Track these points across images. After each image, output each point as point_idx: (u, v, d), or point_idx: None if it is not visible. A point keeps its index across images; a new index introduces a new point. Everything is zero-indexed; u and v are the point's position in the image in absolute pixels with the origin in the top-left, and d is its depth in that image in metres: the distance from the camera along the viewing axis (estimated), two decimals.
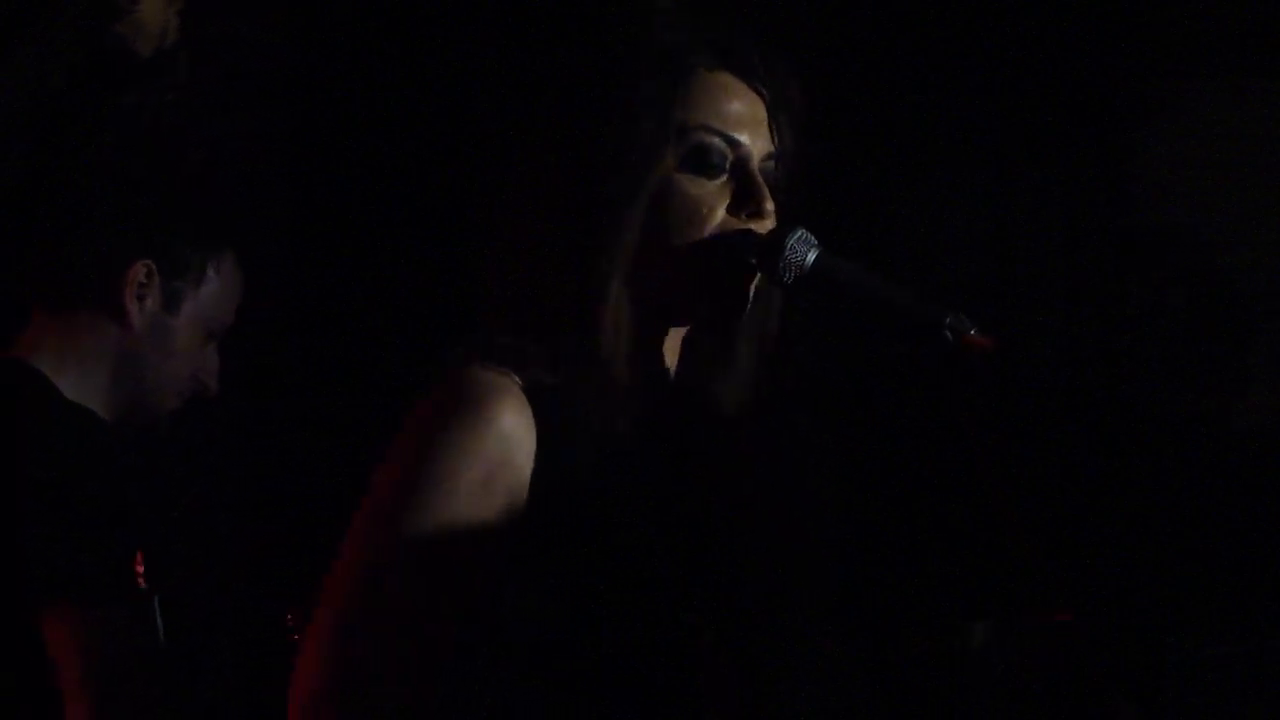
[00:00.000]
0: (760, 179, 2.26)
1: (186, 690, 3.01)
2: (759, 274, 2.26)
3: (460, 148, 2.29)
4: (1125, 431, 4.33)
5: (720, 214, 2.25)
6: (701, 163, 2.24)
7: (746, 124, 2.27)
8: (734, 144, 2.25)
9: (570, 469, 2.13)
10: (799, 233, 2.28)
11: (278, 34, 3.15)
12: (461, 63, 3.23)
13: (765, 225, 2.27)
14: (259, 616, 3.45)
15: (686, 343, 2.32)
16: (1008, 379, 2.30)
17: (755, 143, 2.27)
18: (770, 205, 2.26)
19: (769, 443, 2.31)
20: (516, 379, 2.14)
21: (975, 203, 4.44)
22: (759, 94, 2.29)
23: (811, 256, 2.28)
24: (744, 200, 2.26)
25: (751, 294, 2.27)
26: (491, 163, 2.29)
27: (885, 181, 4.43)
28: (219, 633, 3.52)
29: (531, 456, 2.11)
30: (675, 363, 2.30)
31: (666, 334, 2.29)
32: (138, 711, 2.78)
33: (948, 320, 2.26)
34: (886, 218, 4.39)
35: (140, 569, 2.83)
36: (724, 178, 2.26)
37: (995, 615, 2.56)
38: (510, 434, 2.10)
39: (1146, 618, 4.07)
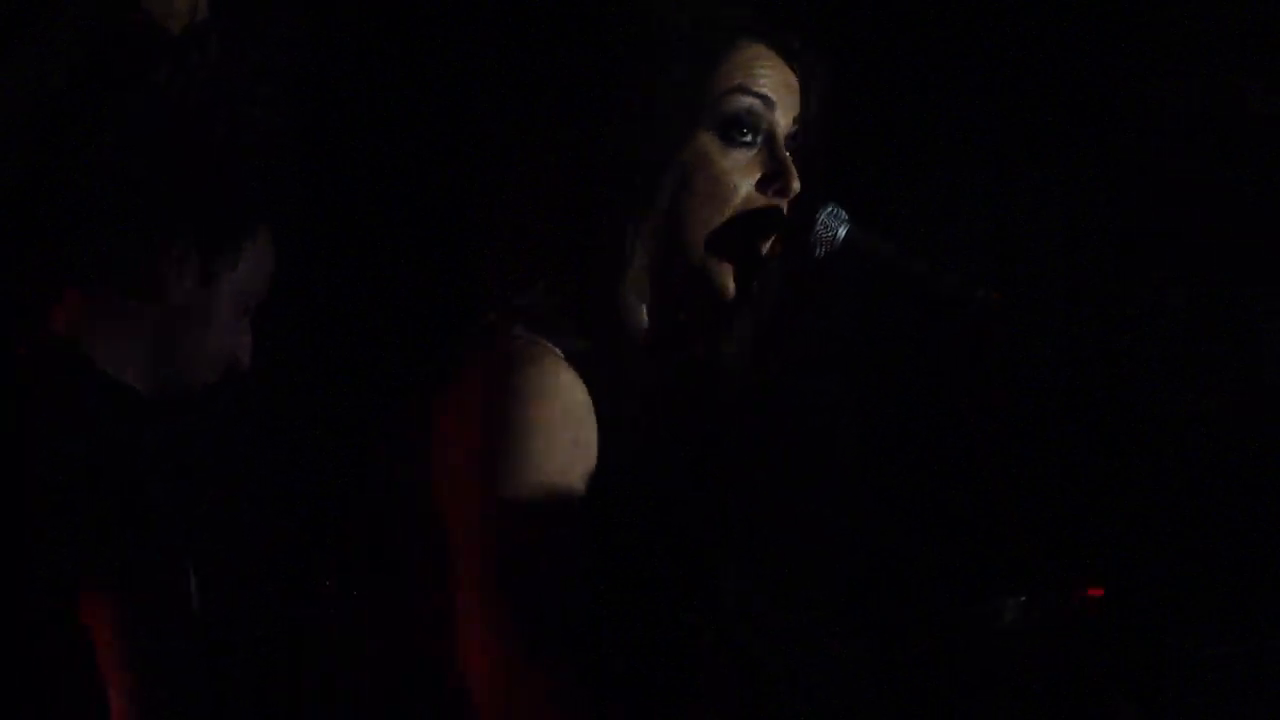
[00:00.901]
0: (788, 157, 2.28)
1: (223, 671, 3.02)
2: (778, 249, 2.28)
3: (487, 117, 2.31)
4: (1125, 431, 4.33)
5: (747, 187, 2.27)
6: (735, 130, 2.26)
7: (779, 91, 2.29)
8: (769, 105, 2.27)
9: (604, 436, 2.15)
10: (830, 208, 2.31)
11: (301, 15, 3.15)
12: (493, 29, 3.23)
13: (786, 203, 2.28)
14: (297, 594, 3.46)
15: (689, 311, 2.33)
16: (1014, 375, 2.31)
17: (785, 112, 2.29)
18: (797, 185, 2.28)
19: (773, 407, 2.33)
20: (554, 348, 2.15)
21: (975, 203, 4.44)
22: (791, 67, 2.31)
23: (843, 231, 2.31)
24: (773, 177, 2.28)
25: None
26: (517, 131, 2.29)
27: (886, 181, 4.44)
28: (257, 613, 3.53)
29: (593, 415, 2.13)
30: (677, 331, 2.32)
31: (679, 303, 2.31)
32: (174, 678, 2.79)
33: (979, 293, 2.28)
34: (887, 217, 4.40)
35: (176, 552, 2.84)
36: (754, 150, 2.27)
37: (1027, 592, 2.56)
38: (579, 396, 2.12)
39: (1147, 617, 4.08)
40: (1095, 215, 4.46)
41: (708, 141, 2.26)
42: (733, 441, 2.30)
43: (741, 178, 2.27)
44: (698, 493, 2.26)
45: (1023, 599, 2.52)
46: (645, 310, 2.26)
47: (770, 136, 2.29)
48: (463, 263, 2.30)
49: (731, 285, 2.28)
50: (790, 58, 2.31)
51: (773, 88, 2.28)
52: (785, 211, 2.30)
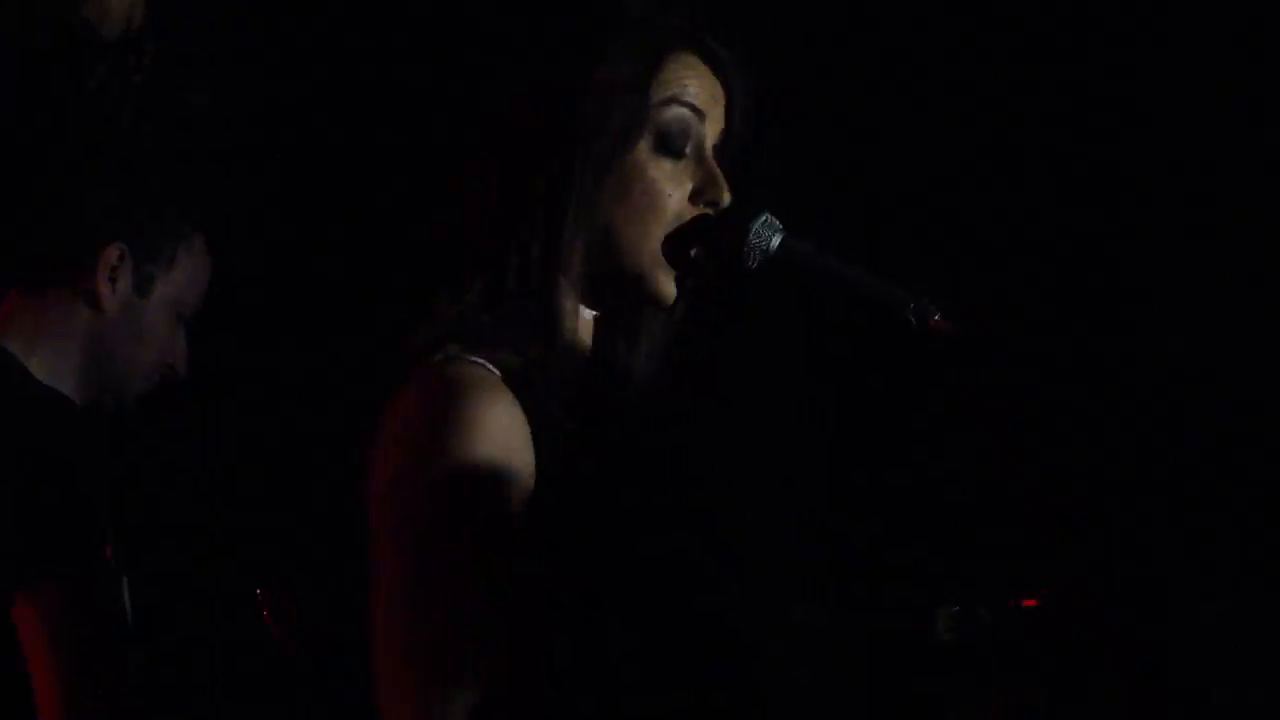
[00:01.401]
0: (718, 169, 2.28)
1: (156, 667, 3.01)
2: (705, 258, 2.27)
3: (428, 125, 2.30)
4: (1125, 395, 4.34)
5: (678, 198, 2.26)
6: (668, 141, 2.25)
7: (709, 103, 2.29)
8: (700, 116, 2.27)
9: (548, 452, 2.14)
10: (764, 217, 2.30)
11: (241, 15, 3.15)
12: (429, 40, 3.22)
13: (714, 213, 2.28)
14: (230, 595, 3.45)
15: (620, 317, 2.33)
16: (981, 364, 2.30)
17: (713, 124, 2.29)
18: (728, 197, 2.28)
19: (682, 414, 2.32)
20: (493, 369, 2.14)
21: (969, 200, 4.44)
22: (719, 78, 2.30)
23: (776, 241, 2.30)
24: (704, 188, 2.27)
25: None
26: (454, 139, 2.28)
27: (876, 177, 4.44)
28: (189, 612, 3.52)
29: (529, 442, 2.12)
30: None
31: (614, 311, 2.31)
32: (106, 689, 2.78)
33: (911, 304, 2.28)
34: (876, 213, 4.40)
35: (109, 548, 2.83)
36: (684, 160, 2.27)
37: (960, 602, 2.56)
38: (510, 426, 2.10)
39: (1147, 575, 4.08)
40: (1089, 216, 4.48)
41: (642, 151, 2.25)
42: (661, 446, 2.29)
43: (674, 188, 2.27)
44: (645, 497, 2.25)
45: (956, 609, 2.52)
46: (581, 320, 2.26)
47: (699, 148, 2.29)
48: (400, 272, 2.29)
49: (671, 291, 2.28)
50: (718, 69, 2.31)
51: (703, 100, 2.28)
52: (727, 219, 2.30)
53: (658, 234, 2.26)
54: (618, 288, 2.26)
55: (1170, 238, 4.45)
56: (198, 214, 3.10)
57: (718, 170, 2.28)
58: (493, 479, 2.08)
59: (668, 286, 2.28)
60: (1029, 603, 2.50)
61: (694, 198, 2.28)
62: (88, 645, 2.78)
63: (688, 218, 2.27)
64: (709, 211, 2.28)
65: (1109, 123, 4.44)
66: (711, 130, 2.29)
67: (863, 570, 3.91)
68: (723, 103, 2.31)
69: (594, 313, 2.31)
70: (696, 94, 2.28)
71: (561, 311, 2.22)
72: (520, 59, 2.26)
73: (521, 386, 2.14)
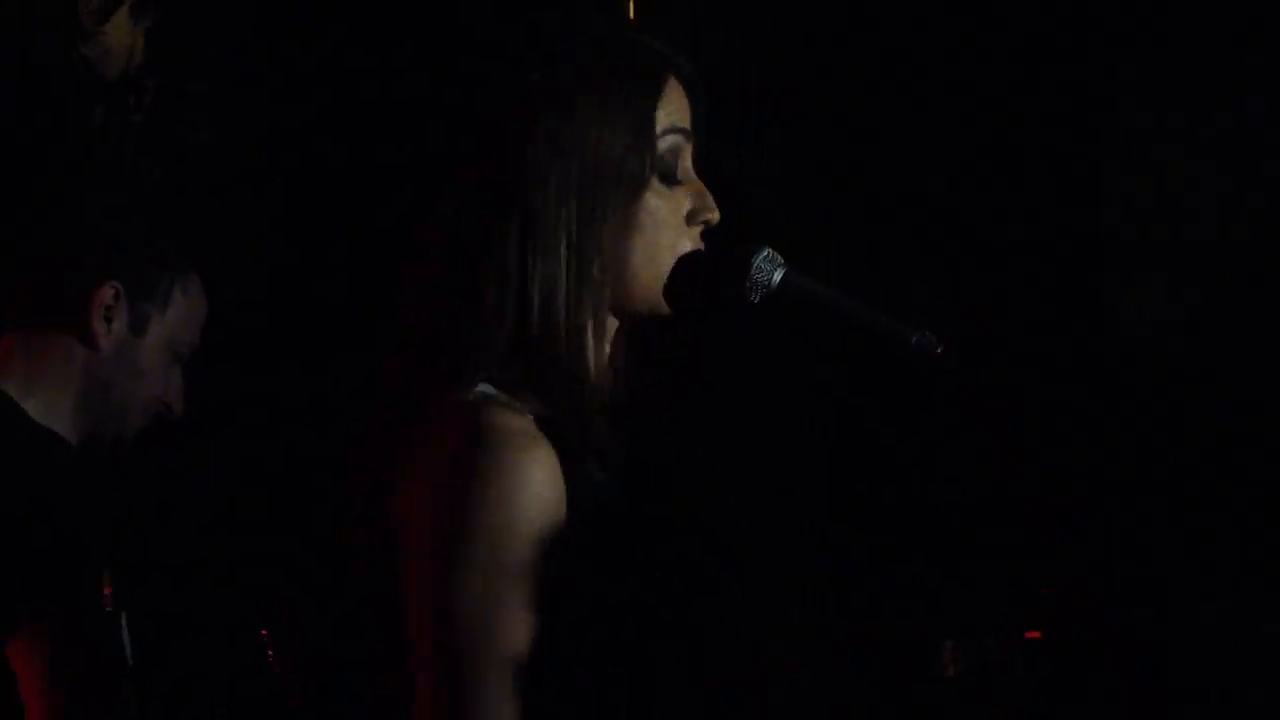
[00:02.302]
0: (704, 187, 2.29)
1: (154, 708, 3.01)
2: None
3: (426, 162, 2.29)
4: (1125, 402, 4.35)
5: (678, 222, 2.27)
6: (667, 168, 2.26)
7: (690, 123, 2.30)
8: (688, 138, 2.28)
9: (578, 501, 2.14)
10: (765, 252, 2.30)
11: (242, 53, 3.15)
12: (431, 76, 3.22)
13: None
14: (232, 634, 3.44)
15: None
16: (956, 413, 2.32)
17: (691, 142, 2.30)
18: (718, 215, 2.29)
19: (689, 432, 2.32)
20: (528, 416, 2.14)
21: (959, 206, 4.45)
22: (690, 96, 2.31)
23: (778, 276, 2.30)
24: (698, 209, 2.28)
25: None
26: (460, 170, 2.27)
27: (870, 184, 4.45)
28: (191, 651, 3.52)
29: (563, 493, 2.12)
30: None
31: (628, 348, 2.31)
32: None
33: (913, 338, 2.28)
34: (869, 221, 4.41)
35: (108, 588, 2.83)
36: (678, 185, 2.27)
37: (964, 634, 2.56)
38: (550, 479, 2.11)
39: (1149, 579, 4.09)
40: (1077, 218, 4.49)
41: (652, 184, 2.26)
42: (668, 468, 2.29)
43: (674, 213, 2.27)
44: (657, 519, 2.25)
45: (955, 643, 2.52)
46: (598, 366, 2.26)
47: (688, 169, 2.30)
48: (404, 312, 2.27)
49: (662, 328, 2.29)
50: (690, 86, 2.31)
51: (687, 122, 2.29)
52: (730, 255, 2.30)
53: (667, 259, 2.26)
54: (632, 313, 2.27)
55: (1170, 240, 4.47)
56: (194, 252, 3.10)
57: (705, 190, 2.29)
58: (535, 530, 2.09)
59: (659, 319, 2.29)
60: (1032, 635, 2.50)
61: (690, 219, 2.28)
62: (82, 683, 2.77)
63: (686, 240, 2.28)
64: (698, 235, 2.29)
65: (1105, 123, 4.46)
66: (690, 149, 2.31)
67: (867, 587, 3.92)
68: (693, 119, 2.32)
69: (619, 339, 2.30)
70: (683, 119, 2.28)
71: (588, 362, 2.22)
72: (525, 104, 2.25)
73: (555, 437, 2.14)
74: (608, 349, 2.26)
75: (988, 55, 4.46)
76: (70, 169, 3.00)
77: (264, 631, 3.08)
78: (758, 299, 2.29)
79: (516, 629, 2.07)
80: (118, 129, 2.96)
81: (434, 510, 2.09)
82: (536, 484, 2.09)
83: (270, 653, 3.10)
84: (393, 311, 2.24)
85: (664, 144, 2.25)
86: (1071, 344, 4.45)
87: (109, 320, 3.04)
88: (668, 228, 2.25)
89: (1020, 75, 4.47)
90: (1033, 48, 4.48)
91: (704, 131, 2.32)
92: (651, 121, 2.24)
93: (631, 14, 3.64)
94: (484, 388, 2.16)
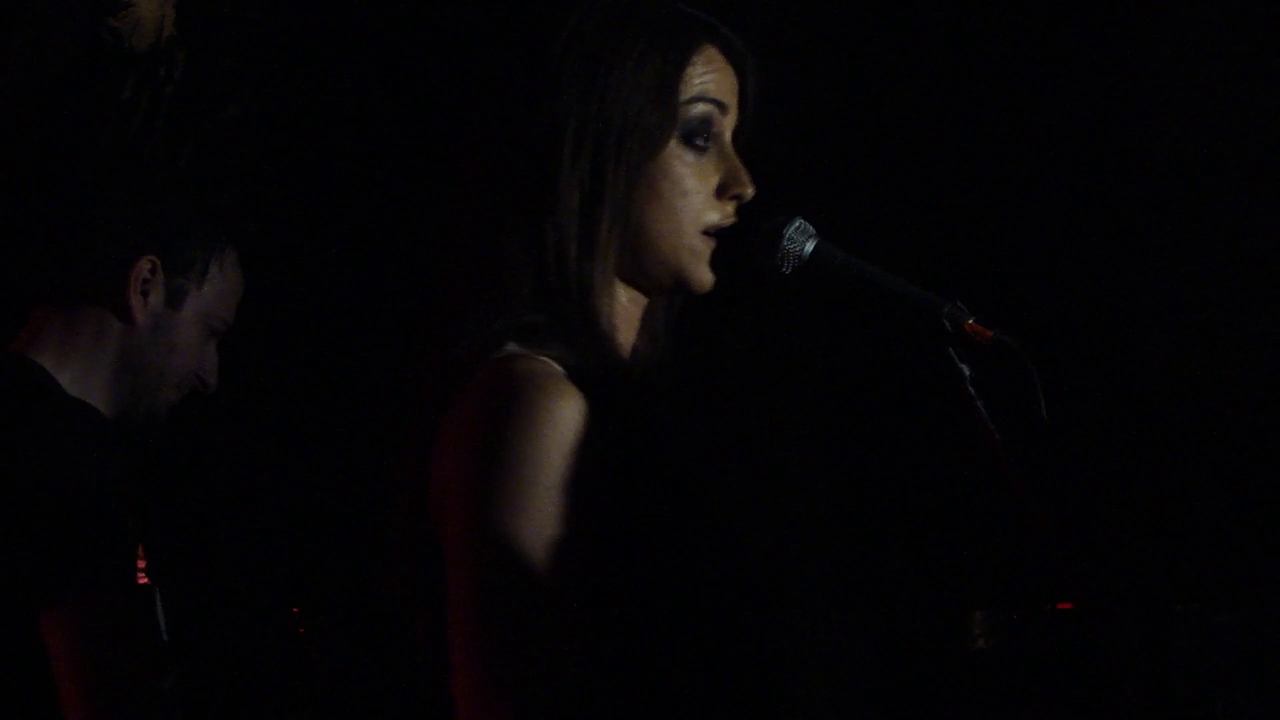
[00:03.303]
0: (739, 161, 2.28)
1: (189, 684, 3.01)
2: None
3: (452, 131, 2.29)
4: (1129, 408, 4.35)
5: (705, 193, 2.26)
6: (694, 137, 2.25)
7: (728, 96, 2.29)
8: (723, 110, 2.27)
9: (613, 446, 2.13)
10: (796, 223, 2.30)
11: (273, 26, 3.15)
12: (454, 46, 3.23)
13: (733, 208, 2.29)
14: (265, 611, 3.45)
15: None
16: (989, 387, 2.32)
17: (731, 117, 2.29)
18: (752, 189, 2.28)
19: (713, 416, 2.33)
20: (556, 365, 2.14)
21: (979, 202, 4.45)
22: (735, 68, 2.30)
23: (810, 246, 2.30)
24: (729, 182, 2.27)
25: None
26: (483, 142, 2.27)
27: (889, 179, 4.45)
28: (224, 627, 3.52)
29: (597, 436, 2.11)
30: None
31: (651, 307, 2.31)
32: (137, 705, 2.78)
33: (945, 308, 2.28)
34: (889, 216, 4.41)
35: (142, 563, 2.83)
36: (709, 154, 2.27)
37: (994, 605, 2.55)
38: (580, 420, 2.10)
39: (1153, 585, 4.08)
40: (1098, 213, 4.49)
41: (671, 149, 2.25)
42: (693, 449, 2.29)
43: (701, 183, 2.27)
44: (682, 498, 2.24)
45: (989, 613, 2.51)
46: (621, 319, 2.26)
47: (721, 141, 2.29)
48: (435, 283, 2.27)
49: (708, 277, 2.29)
50: (734, 59, 2.31)
51: (724, 93, 2.28)
52: (762, 224, 2.30)
53: (690, 229, 2.25)
54: (655, 282, 2.26)
55: (1170, 244, 4.47)
56: (230, 227, 3.11)
57: (740, 164, 2.29)
58: (566, 471, 2.08)
59: (705, 274, 2.28)
60: (1064, 605, 2.49)
61: (720, 192, 2.28)
62: (115, 660, 2.77)
63: (714, 212, 2.27)
64: (730, 209, 2.28)
65: (1135, 112, 4.46)
66: (730, 122, 2.30)
67: (892, 572, 3.92)
68: (738, 93, 2.31)
69: (636, 308, 2.30)
70: (718, 88, 2.28)
71: (599, 313, 2.22)
72: (548, 60, 2.25)
73: (584, 382, 2.14)
74: (620, 312, 2.25)
75: (1015, 43, 4.47)
76: (103, 142, 3.00)
77: (296, 609, 3.08)
78: (789, 270, 2.29)
79: (550, 565, 2.06)
80: (148, 101, 2.96)
81: (467, 459, 2.09)
82: (565, 421, 2.08)
83: (303, 629, 3.11)
84: (425, 278, 2.25)
85: (693, 110, 2.25)
86: (1100, 332, 4.46)
87: (145, 294, 3.04)
88: (693, 197, 2.25)
89: (1048, 65, 4.48)
90: (1062, 38, 4.48)
91: (753, 107, 2.32)
92: (674, 83, 2.23)
93: None
94: (511, 346, 2.16)
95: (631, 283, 2.26)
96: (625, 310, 2.27)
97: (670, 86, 2.24)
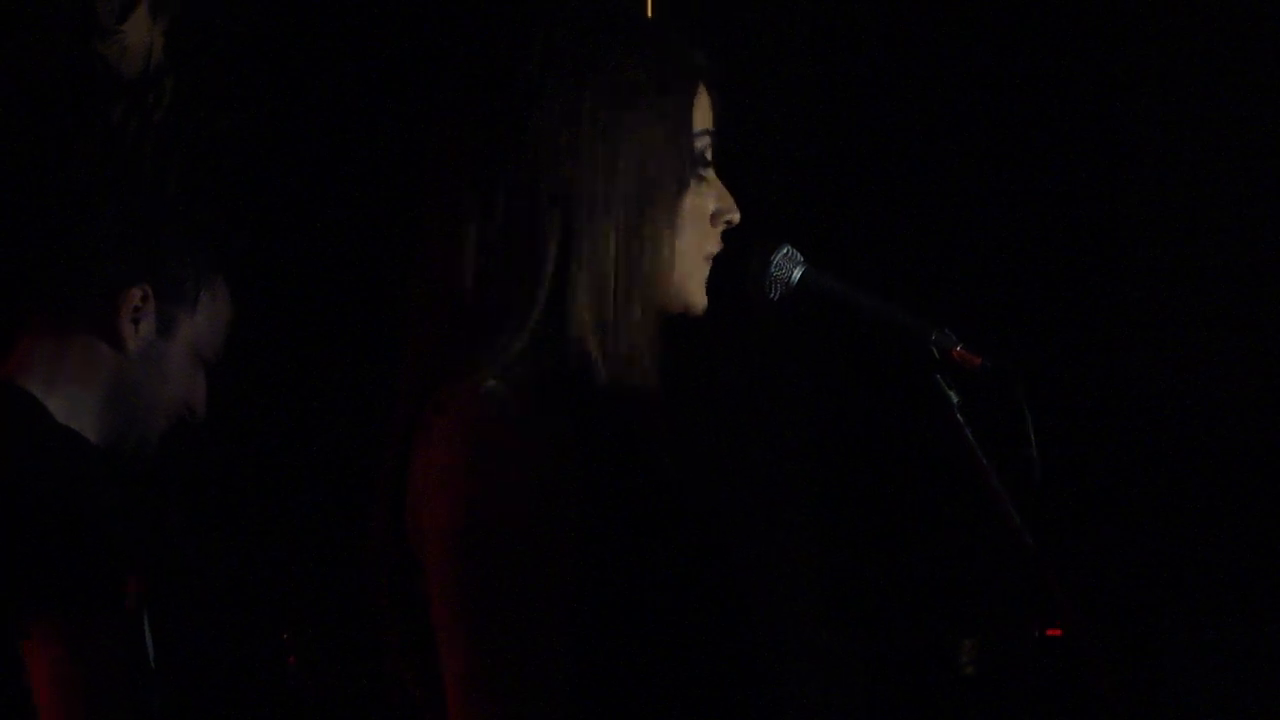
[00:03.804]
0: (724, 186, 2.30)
1: (176, 708, 3.01)
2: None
3: (456, 167, 2.28)
4: (1122, 419, 4.35)
5: (704, 222, 2.28)
6: (698, 167, 2.27)
7: (713, 120, 2.30)
8: (713, 139, 2.28)
9: (591, 468, 2.13)
10: (784, 250, 2.32)
11: (263, 49, 3.15)
12: (482, 71, 3.25)
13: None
14: (254, 636, 3.45)
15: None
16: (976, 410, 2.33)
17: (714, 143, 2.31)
18: (739, 216, 2.29)
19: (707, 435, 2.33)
20: (532, 388, 2.14)
21: (970, 207, 4.46)
22: (712, 92, 2.31)
23: (797, 274, 2.32)
24: (723, 209, 2.29)
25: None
26: (482, 188, 2.27)
27: (879, 187, 4.45)
28: (212, 651, 3.52)
29: (573, 455, 2.11)
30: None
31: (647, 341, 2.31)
32: None
33: (933, 336, 2.29)
34: (880, 225, 4.41)
35: (130, 587, 2.83)
36: (704, 182, 2.28)
37: (984, 630, 2.55)
38: (562, 450, 2.10)
39: (1146, 602, 4.08)
40: (1090, 214, 4.50)
41: (688, 185, 2.27)
42: (685, 469, 2.29)
43: (703, 214, 2.28)
44: (673, 516, 2.24)
45: (979, 639, 2.51)
46: (646, 364, 2.26)
47: (711, 170, 2.30)
48: (423, 315, 2.27)
49: (704, 301, 2.30)
50: (711, 86, 2.32)
51: (711, 119, 2.30)
52: (751, 252, 2.32)
53: (696, 257, 2.26)
54: (654, 309, 2.26)
55: (1157, 258, 4.47)
56: (221, 255, 3.11)
57: (727, 190, 2.30)
58: (545, 487, 2.08)
59: (704, 299, 2.29)
60: (1053, 632, 2.49)
61: (713, 219, 2.29)
62: (101, 684, 2.78)
63: (711, 240, 2.28)
64: (718, 234, 2.29)
65: (1125, 120, 4.47)
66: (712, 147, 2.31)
67: (883, 593, 3.92)
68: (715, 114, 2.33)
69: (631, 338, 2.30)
70: (709, 117, 2.29)
71: (639, 356, 2.22)
72: (559, 111, 2.25)
73: (561, 405, 2.14)
74: (656, 347, 2.25)
75: (1005, 52, 4.47)
76: (92, 168, 3.00)
77: (285, 635, 3.08)
78: (777, 296, 2.30)
79: (543, 592, 2.06)
80: (137, 127, 2.96)
81: (453, 489, 2.09)
82: (541, 440, 2.09)
83: (292, 657, 3.11)
84: (406, 309, 2.25)
85: (697, 145, 2.26)
86: (1091, 342, 4.46)
87: (136, 322, 3.05)
88: (696, 227, 2.26)
89: (1038, 73, 4.48)
90: (1053, 44, 4.49)
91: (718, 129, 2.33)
92: (690, 123, 2.25)
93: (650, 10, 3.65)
94: (493, 383, 2.16)
95: (634, 316, 2.26)
96: (650, 344, 2.27)
97: (688, 130, 2.25)
